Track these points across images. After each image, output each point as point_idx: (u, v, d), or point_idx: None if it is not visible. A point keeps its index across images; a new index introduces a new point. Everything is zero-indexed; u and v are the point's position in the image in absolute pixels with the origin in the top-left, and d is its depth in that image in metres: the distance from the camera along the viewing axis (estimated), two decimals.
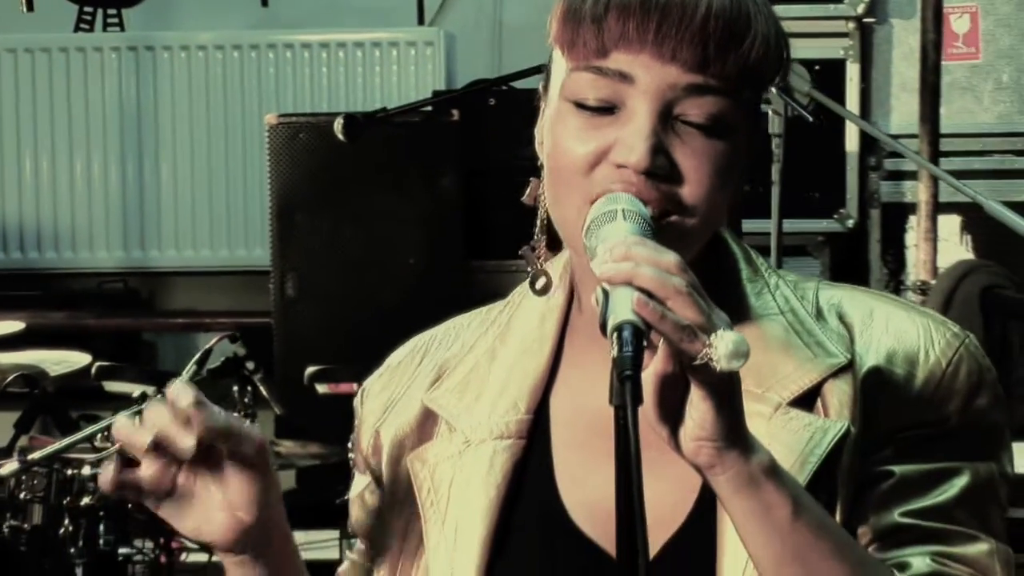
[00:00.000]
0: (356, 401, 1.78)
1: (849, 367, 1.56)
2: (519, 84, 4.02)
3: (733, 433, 1.40)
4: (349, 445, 1.81)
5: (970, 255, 5.27)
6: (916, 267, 5.02)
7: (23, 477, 3.66)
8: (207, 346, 3.64)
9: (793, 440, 1.50)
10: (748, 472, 1.42)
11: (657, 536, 1.55)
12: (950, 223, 5.28)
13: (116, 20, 6.24)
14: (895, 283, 5.36)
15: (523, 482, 1.63)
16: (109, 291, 5.96)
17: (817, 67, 5.02)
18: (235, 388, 3.86)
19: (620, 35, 1.52)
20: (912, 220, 5.31)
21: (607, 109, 1.54)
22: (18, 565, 3.71)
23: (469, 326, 1.75)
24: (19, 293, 5.77)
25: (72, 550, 3.68)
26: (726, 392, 1.39)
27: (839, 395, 1.55)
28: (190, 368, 3.61)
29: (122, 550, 3.75)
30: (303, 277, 4.67)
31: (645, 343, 1.35)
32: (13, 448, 3.90)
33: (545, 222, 1.65)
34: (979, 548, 1.55)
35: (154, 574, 3.78)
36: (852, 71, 5.35)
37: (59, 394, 4.20)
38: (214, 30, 6.16)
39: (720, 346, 1.35)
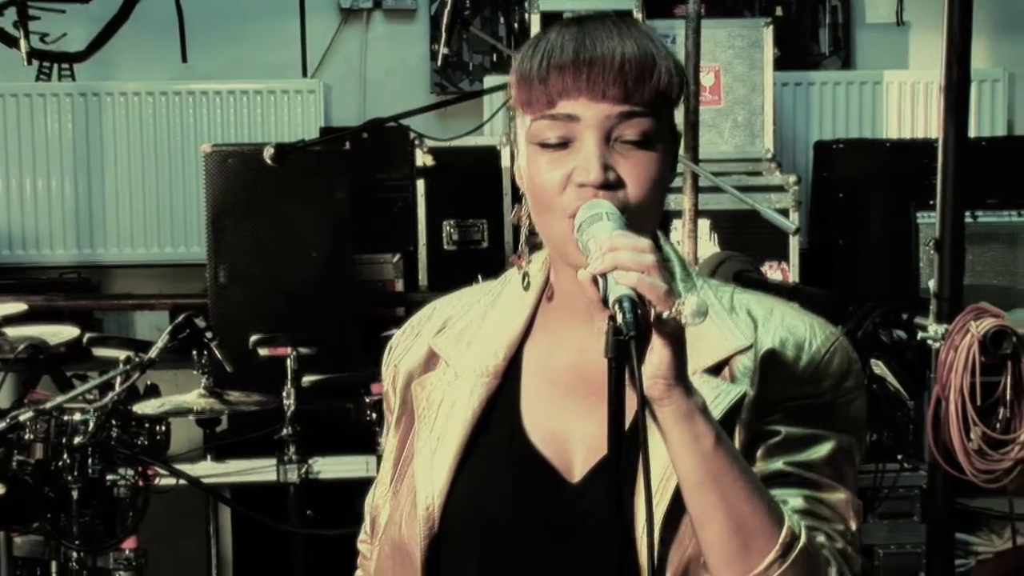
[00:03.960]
0: (385, 353, 1.79)
1: (750, 348, 1.58)
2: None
3: (681, 375, 1.41)
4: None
5: (717, 248, 5.35)
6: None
7: (29, 422, 3.54)
8: (177, 320, 3.55)
9: (705, 396, 1.49)
10: (687, 407, 1.42)
11: (592, 457, 1.59)
12: (702, 225, 5.35)
13: (68, 72, 6.05)
14: None
15: (495, 412, 1.64)
16: (67, 280, 5.78)
17: None
18: (194, 352, 3.78)
19: (562, 88, 1.53)
20: (676, 223, 5.36)
21: (563, 144, 1.54)
22: (25, 491, 3.58)
23: (470, 293, 1.77)
24: None
25: (68, 478, 3.56)
26: (680, 343, 1.40)
27: (742, 367, 1.57)
28: (165, 337, 3.52)
29: (108, 477, 3.65)
30: (232, 267, 4.59)
31: (640, 311, 1.36)
32: (23, 400, 3.78)
33: (527, 234, 1.65)
34: (838, 496, 1.58)
35: (134, 495, 3.66)
36: None
37: (56, 359, 4.06)
38: (146, 80, 6.00)
39: (687, 305, 1.37)
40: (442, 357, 1.68)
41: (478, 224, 5.17)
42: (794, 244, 5.18)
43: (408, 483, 1.64)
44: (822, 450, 1.57)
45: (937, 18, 3.25)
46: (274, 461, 3.77)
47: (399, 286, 5.13)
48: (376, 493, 1.75)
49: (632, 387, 1.39)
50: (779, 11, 6.21)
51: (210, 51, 6.06)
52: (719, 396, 1.54)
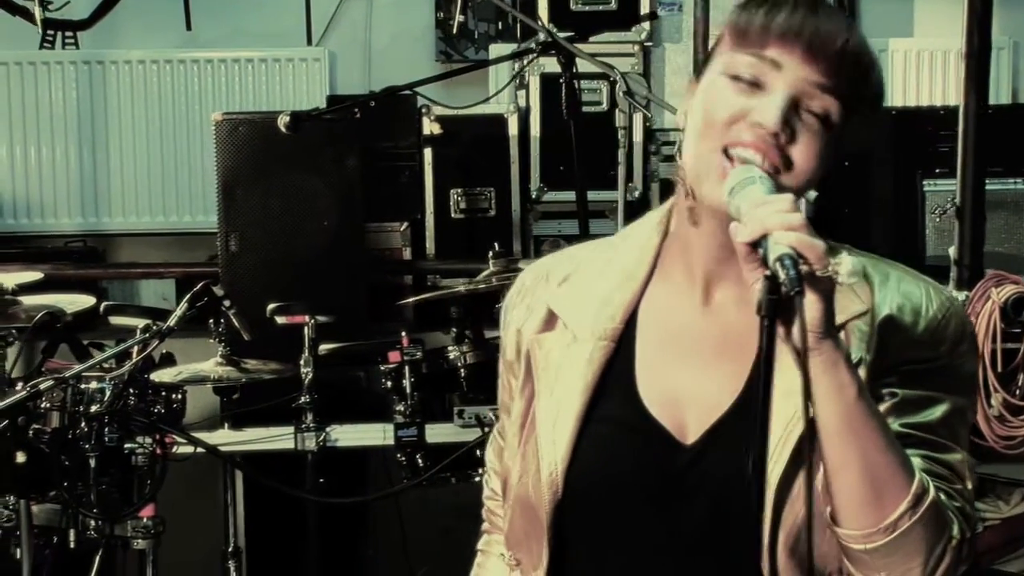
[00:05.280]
0: (502, 313, 1.82)
1: (867, 313, 1.60)
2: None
3: (831, 327, 1.45)
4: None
5: None
6: None
7: (46, 391, 3.51)
8: (195, 289, 3.52)
9: None
10: (834, 357, 1.45)
11: (705, 418, 1.62)
12: None
13: (72, 40, 6.01)
14: None
15: (611, 375, 1.67)
16: (72, 248, 5.76)
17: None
18: (211, 320, 3.75)
19: (783, 33, 1.55)
20: None
21: (753, 84, 1.56)
22: (42, 459, 3.56)
23: (586, 249, 1.79)
24: (5, 251, 5.54)
25: (86, 446, 3.54)
26: (830, 297, 1.43)
27: (858, 332, 1.60)
28: (183, 305, 3.49)
29: (126, 445, 3.63)
30: (243, 236, 4.55)
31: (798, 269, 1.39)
32: (42, 369, 3.76)
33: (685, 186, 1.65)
34: (955, 456, 1.60)
35: (152, 463, 3.64)
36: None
37: (73, 327, 4.03)
38: (149, 48, 5.96)
39: (844, 264, 1.41)
40: (560, 317, 1.71)
41: (485, 192, 5.15)
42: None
43: (533, 446, 1.67)
44: (937, 411, 1.60)
45: None
46: (291, 429, 3.75)
47: (406, 254, 5.11)
48: (505, 455, 1.78)
49: (783, 343, 1.42)
50: None
51: (214, 19, 6.02)
52: None
